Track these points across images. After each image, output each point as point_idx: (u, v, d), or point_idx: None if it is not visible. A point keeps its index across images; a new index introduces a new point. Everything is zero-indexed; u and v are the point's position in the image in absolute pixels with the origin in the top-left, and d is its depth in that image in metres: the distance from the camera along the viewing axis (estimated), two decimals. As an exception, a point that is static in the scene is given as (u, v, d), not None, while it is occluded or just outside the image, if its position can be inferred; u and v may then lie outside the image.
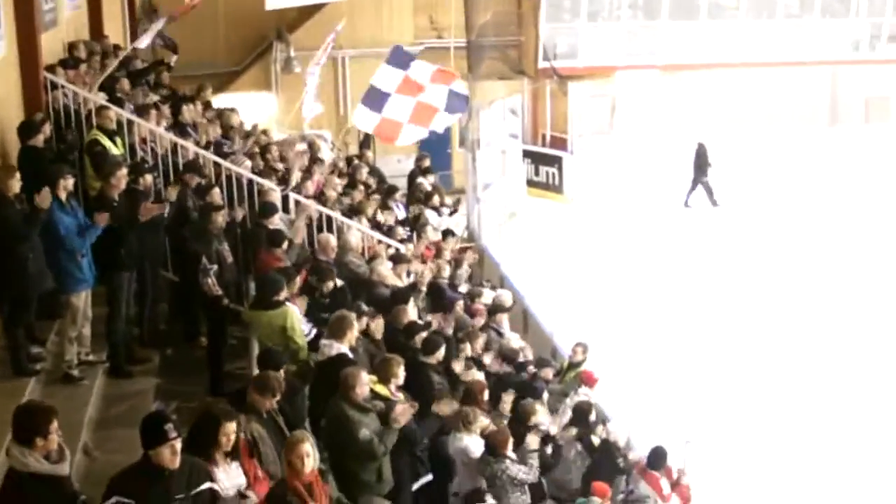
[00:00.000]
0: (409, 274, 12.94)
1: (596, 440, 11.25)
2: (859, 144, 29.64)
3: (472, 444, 9.41)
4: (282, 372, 8.28)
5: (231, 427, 6.86)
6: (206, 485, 6.30)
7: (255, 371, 8.62)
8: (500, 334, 12.92)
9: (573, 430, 11.19)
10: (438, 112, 15.58)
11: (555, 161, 26.97)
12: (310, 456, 6.99)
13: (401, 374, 9.29)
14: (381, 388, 9.06)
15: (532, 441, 9.81)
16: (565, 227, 24.32)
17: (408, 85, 15.53)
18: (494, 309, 13.44)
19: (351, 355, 9.33)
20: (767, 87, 29.69)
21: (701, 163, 26.83)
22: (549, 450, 10.28)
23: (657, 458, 10.91)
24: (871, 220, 24.86)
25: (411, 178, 18.89)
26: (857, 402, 15.63)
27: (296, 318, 9.86)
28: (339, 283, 11.15)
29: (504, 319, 13.48)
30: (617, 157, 27.53)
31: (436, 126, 15.69)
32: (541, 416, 10.36)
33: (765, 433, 14.36)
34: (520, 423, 10.06)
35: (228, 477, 6.84)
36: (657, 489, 10.40)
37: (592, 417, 11.53)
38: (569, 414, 11.66)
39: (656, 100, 28.67)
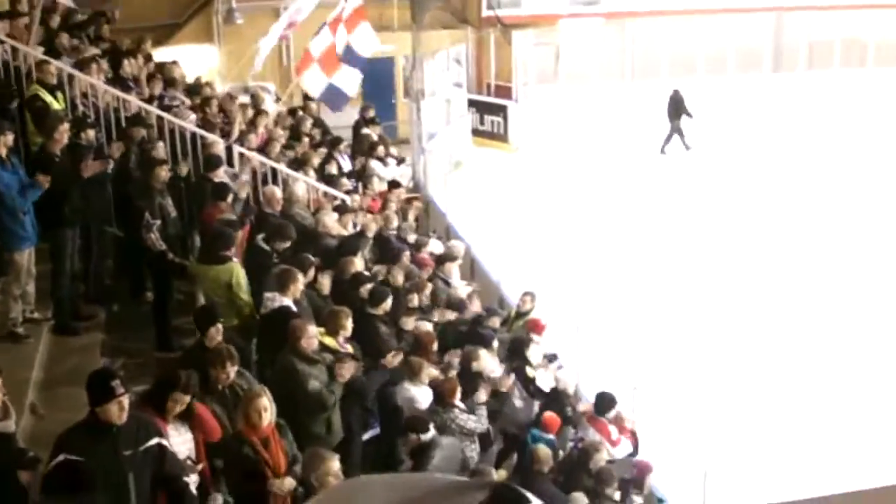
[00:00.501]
0: (355, 225, 12.94)
1: (531, 372, 11.35)
2: (803, 90, 29.86)
3: (420, 394, 9.47)
4: (220, 326, 8.31)
5: (183, 398, 6.91)
6: (155, 440, 6.30)
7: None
8: (447, 284, 12.95)
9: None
10: (341, 66, 15.40)
11: (500, 110, 26.95)
12: (267, 410, 7.04)
13: (349, 325, 9.32)
14: (329, 340, 9.09)
15: (481, 394, 9.88)
16: (511, 176, 24.36)
17: (335, 22, 15.38)
18: (441, 258, 13.48)
19: (295, 308, 9.34)
20: (711, 34, 29.75)
21: (676, 110, 27.11)
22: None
23: (604, 404, 11.02)
24: (821, 165, 25.10)
25: (356, 128, 18.81)
26: (805, 344, 15.81)
27: (241, 274, 9.85)
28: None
29: (454, 270, 13.51)
30: (562, 105, 27.53)
31: (340, 82, 15.47)
32: (486, 362, 10.41)
33: (712, 378, 14.50)
34: (467, 373, 10.12)
35: (179, 436, 6.89)
36: (605, 435, 10.51)
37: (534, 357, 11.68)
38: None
39: (600, 48, 28.69)
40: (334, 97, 15.54)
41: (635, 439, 11.02)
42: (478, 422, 9.60)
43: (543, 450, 9.50)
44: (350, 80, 15.42)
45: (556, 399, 10.97)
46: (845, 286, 17.98)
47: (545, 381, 11.60)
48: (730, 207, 22.17)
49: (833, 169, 24.83)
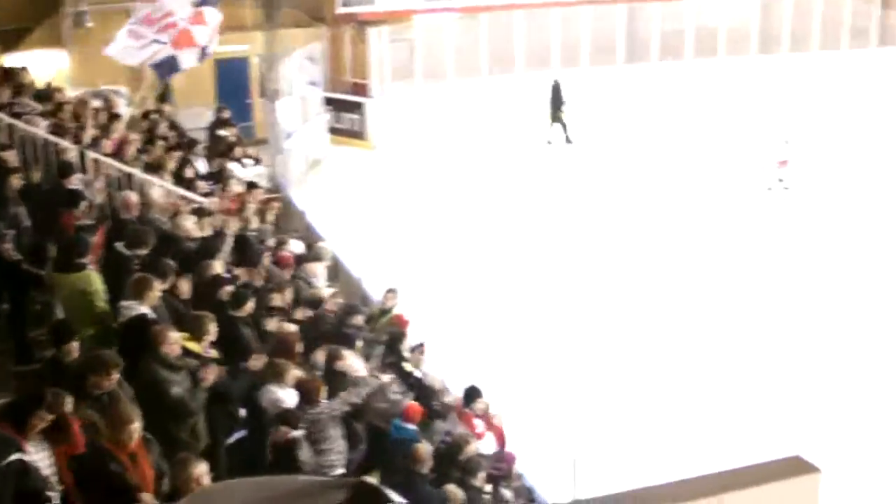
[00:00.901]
0: (213, 228, 12.81)
1: (407, 366, 11.40)
2: (656, 80, 30.47)
3: (285, 395, 9.42)
4: (75, 343, 8.19)
5: (47, 416, 6.77)
6: (15, 456, 6.18)
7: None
8: (308, 284, 12.91)
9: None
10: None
11: (356, 108, 26.92)
12: (136, 430, 6.95)
13: (213, 330, 9.23)
14: (193, 346, 9.00)
15: (352, 392, 9.87)
16: (370, 174, 24.38)
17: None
18: (305, 258, 13.44)
19: (152, 315, 9.22)
20: (566, 26, 30.11)
21: (556, 100, 27.54)
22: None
23: (469, 397, 11.10)
24: (678, 155, 25.65)
25: (212, 130, 18.63)
26: (663, 332, 16.16)
27: (98, 281, 9.69)
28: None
29: (320, 270, 13.49)
30: (419, 101, 27.62)
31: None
32: (350, 361, 10.41)
33: (577, 369, 14.71)
34: (332, 373, 10.10)
35: (37, 452, 6.75)
36: (471, 428, 10.58)
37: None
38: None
39: (457, 42, 28.82)
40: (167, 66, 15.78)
41: (502, 433, 11.12)
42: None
43: (423, 448, 9.53)
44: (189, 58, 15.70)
45: (424, 393, 11.01)
46: (701, 275, 18.42)
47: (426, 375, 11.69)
48: (593, 198, 22.51)
49: (690, 159, 25.39)
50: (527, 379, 13.14)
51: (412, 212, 21.32)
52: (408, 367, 11.50)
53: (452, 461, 9.71)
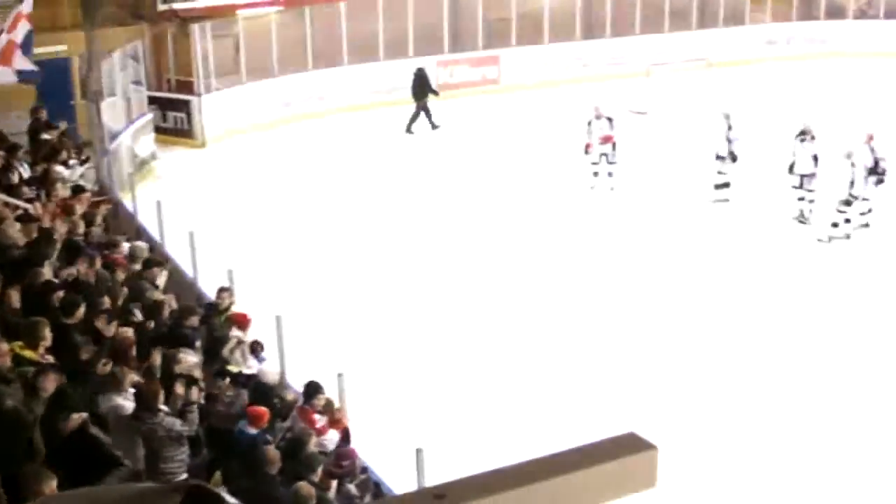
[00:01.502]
0: (40, 233, 12.51)
1: (233, 369, 11.31)
2: (481, 68, 30.86)
3: (124, 401, 9.27)
4: None
5: None
6: None
7: None
8: (147, 287, 12.71)
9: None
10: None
11: (182, 106, 26.56)
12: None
13: (48, 335, 9.04)
14: (29, 353, 8.79)
15: (193, 393, 9.76)
16: (199, 172, 24.11)
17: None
18: (137, 261, 13.23)
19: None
20: (391, 17, 30.14)
21: (422, 88, 27.81)
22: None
23: (309, 393, 11.07)
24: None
25: (33, 133, 18.17)
26: (504, 323, 16.37)
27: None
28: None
29: (162, 274, 13.32)
30: (246, 97, 27.38)
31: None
32: (188, 363, 10.30)
33: (417, 362, 14.80)
34: (170, 375, 9.98)
35: None
36: (311, 424, 10.55)
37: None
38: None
39: (282, 36, 28.60)
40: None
41: (345, 428, 11.11)
42: (185, 425, 9.48)
43: (272, 450, 9.47)
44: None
45: (262, 392, 10.93)
46: (539, 266, 18.72)
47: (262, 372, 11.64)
48: (433, 192, 22.67)
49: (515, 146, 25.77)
50: (373, 371, 13.15)
51: (247, 208, 21.16)
52: (234, 369, 11.39)
53: (293, 458, 9.67)
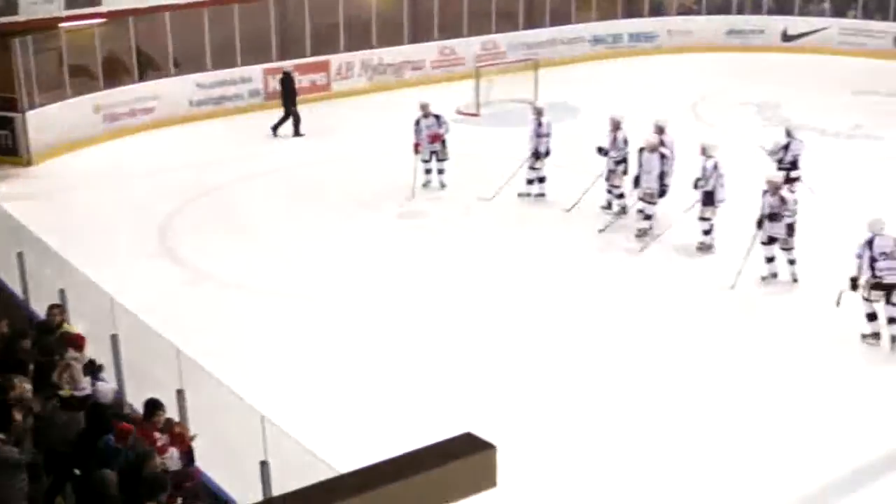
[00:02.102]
0: None
1: (63, 393, 11.04)
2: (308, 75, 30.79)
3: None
4: None
5: None
6: None
7: None
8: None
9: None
10: None
11: (7, 123, 25.82)
12: None
13: None
14: None
15: (29, 420, 9.52)
16: (27, 189, 23.52)
17: None
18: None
19: None
20: (215, 26, 29.81)
21: (288, 92, 27.95)
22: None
23: (148, 411, 10.86)
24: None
25: None
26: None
27: None
28: None
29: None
30: (72, 111, 26.79)
31: None
32: (22, 388, 10.02)
33: (257, 371, 14.70)
34: (4, 403, 9.69)
35: None
36: (152, 442, 10.35)
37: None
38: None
39: (106, 50, 28.07)
40: None
41: (187, 446, 10.93)
42: (22, 452, 9.22)
43: (110, 473, 9.27)
44: None
45: (99, 412, 10.68)
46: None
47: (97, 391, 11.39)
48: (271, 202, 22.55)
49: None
50: (213, 387, 12.98)
51: (78, 225, 20.72)
52: (64, 393, 11.11)
53: (136, 479, 9.48)
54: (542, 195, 21.83)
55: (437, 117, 22.34)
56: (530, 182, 21.78)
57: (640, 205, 19.55)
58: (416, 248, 19.65)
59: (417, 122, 22.30)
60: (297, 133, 27.83)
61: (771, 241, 17.36)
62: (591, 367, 14.97)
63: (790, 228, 17.24)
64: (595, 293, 17.47)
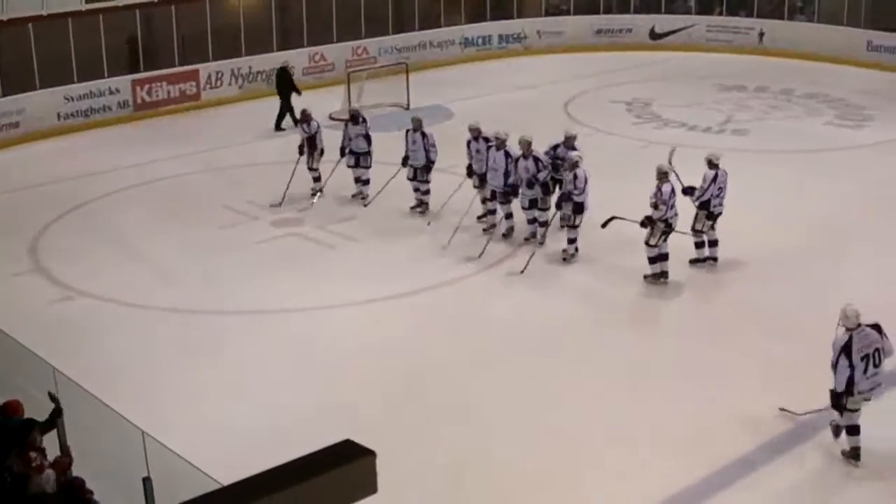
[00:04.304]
0: None
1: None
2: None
3: None
4: None
5: None
6: None
7: None
8: None
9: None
10: None
11: None
12: None
13: None
14: None
15: None
16: None
17: None
18: None
19: None
20: (83, 36, 29.34)
21: (286, 85, 28.36)
22: None
23: (23, 432, 10.58)
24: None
25: None
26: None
27: None
28: None
29: None
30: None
31: None
32: None
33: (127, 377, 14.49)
34: None
35: None
36: (27, 462, 10.09)
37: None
38: None
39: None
40: None
41: (64, 465, 10.71)
42: None
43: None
44: None
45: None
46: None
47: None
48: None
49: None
50: (91, 404, 12.76)
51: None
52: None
53: (18, 500, 9.29)
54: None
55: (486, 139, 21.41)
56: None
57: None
58: (292, 255, 19.55)
59: (469, 144, 20.71)
60: (277, 127, 28.41)
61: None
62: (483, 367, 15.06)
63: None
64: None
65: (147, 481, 9.57)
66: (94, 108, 29.52)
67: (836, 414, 12.44)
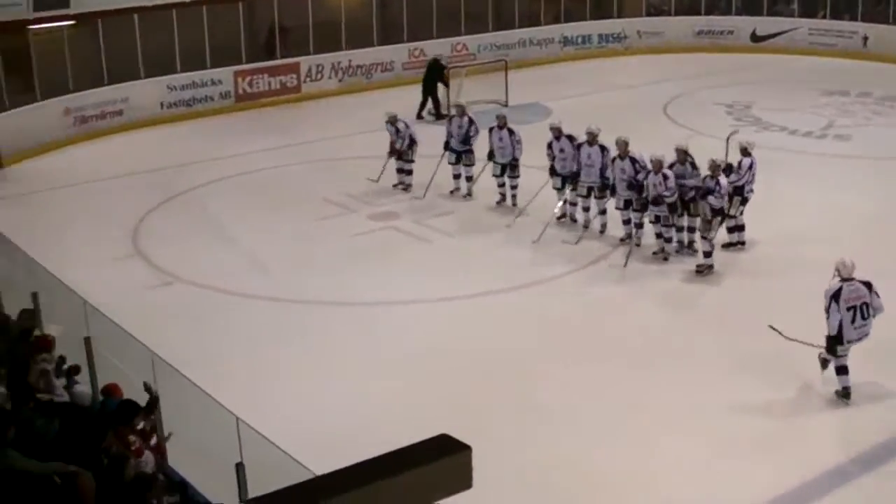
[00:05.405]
0: None
1: (44, 396, 11.01)
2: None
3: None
4: None
5: None
6: None
7: None
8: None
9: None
10: None
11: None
12: None
13: None
14: None
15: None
16: (1, 193, 23.48)
17: None
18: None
19: None
20: (186, 28, 29.75)
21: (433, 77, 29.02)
22: None
23: (124, 413, 10.81)
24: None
25: None
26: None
27: None
28: None
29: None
30: (43, 116, 26.72)
31: None
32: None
33: (224, 374, 14.66)
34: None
35: None
36: (126, 445, 10.32)
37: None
38: None
39: (75, 52, 27.93)
40: None
41: (161, 448, 10.93)
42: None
43: (86, 480, 9.21)
44: None
45: (78, 417, 10.66)
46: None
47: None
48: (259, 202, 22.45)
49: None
50: (188, 389, 12.99)
51: (48, 229, 20.65)
52: (44, 397, 11.06)
53: (116, 481, 9.46)
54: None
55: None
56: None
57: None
58: (387, 248, 19.68)
59: (550, 145, 20.53)
60: (420, 115, 28.83)
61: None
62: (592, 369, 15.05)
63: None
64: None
65: (240, 467, 9.69)
66: (197, 98, 30.01)
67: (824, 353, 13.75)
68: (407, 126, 22.59)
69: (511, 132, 21.17)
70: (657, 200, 18.19)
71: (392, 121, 22.49)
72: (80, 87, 27.87)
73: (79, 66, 27.95)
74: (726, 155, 18.58)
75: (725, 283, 17.67)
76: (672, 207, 18.21)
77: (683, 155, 18.40)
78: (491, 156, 21.37)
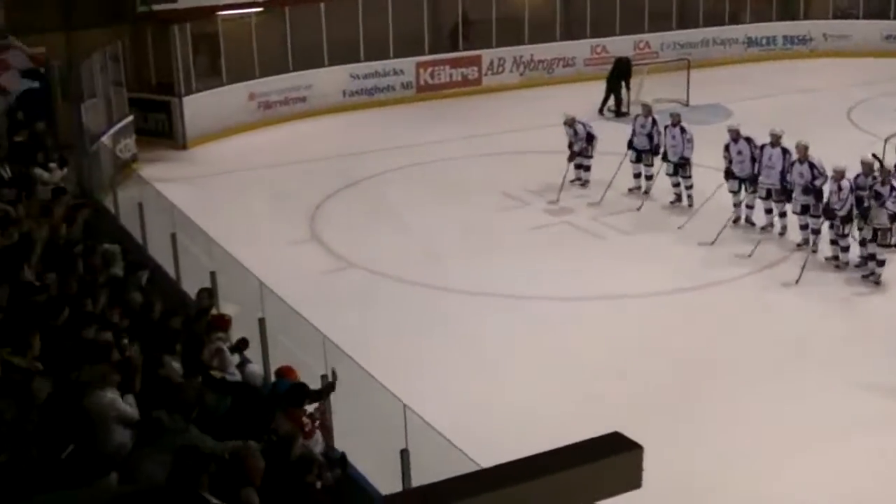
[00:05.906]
0: (21, 236, 12.46)
1: (216, 374, 11.22)
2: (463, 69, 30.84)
3: (116, 397, 9.18)
4: None
5: None
6: None
7: None
8: (123, 289, 12.64)
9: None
10: None
11: (163, 107, 26.49)
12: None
13: (38, 343, 8.96)
14: (18, 360, 8.73)
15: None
16: (182, 173, 24.06)
17: None
18: (107, 264, 13.15)
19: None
20: (371, 17, 30.11)
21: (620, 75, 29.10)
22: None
23: (296, 396, 10.97)
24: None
25: (9, 135, 18.17)
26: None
27: None
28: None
29: (141, 275, 13.29)
30: (227, 99, 27.35)
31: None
32: (171, 367, 10.27)
33: (392, 362, 14.76)
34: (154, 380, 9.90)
35: None
36: (299, 425, 10.47)
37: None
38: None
39: (262, 38, 28.53)
40: None
41: (329, 431, 11.07)
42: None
43: (254, 461, 9.39)
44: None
45: (249, 395, 10.85)
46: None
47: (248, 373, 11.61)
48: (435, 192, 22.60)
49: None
50: (356, 373, 13.15)
51: (229, 210, 21.14)
52: (217, 374, 11.27)
53: (282, 460, 9.60)
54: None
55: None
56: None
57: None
58: (562, 243, 19.60)
59: (727, 147, 20.35)
60: (602, 111, 28.93)
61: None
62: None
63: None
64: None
65: (404, 453, 9.75)
66: (379, 88, 30.35)
67: None
68: (584, 126, 22.43)
69: (683, 130, 20.95)
70: (829, 209, 17.78)
71: (570, 122, 22.36)
72: (265, 73, 28.42)
73: (265, 53, 28.51)
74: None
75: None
76: (845, 219, 17.71)
77: (869, 168, 17.84)
78: (665, 155, 21.18)
